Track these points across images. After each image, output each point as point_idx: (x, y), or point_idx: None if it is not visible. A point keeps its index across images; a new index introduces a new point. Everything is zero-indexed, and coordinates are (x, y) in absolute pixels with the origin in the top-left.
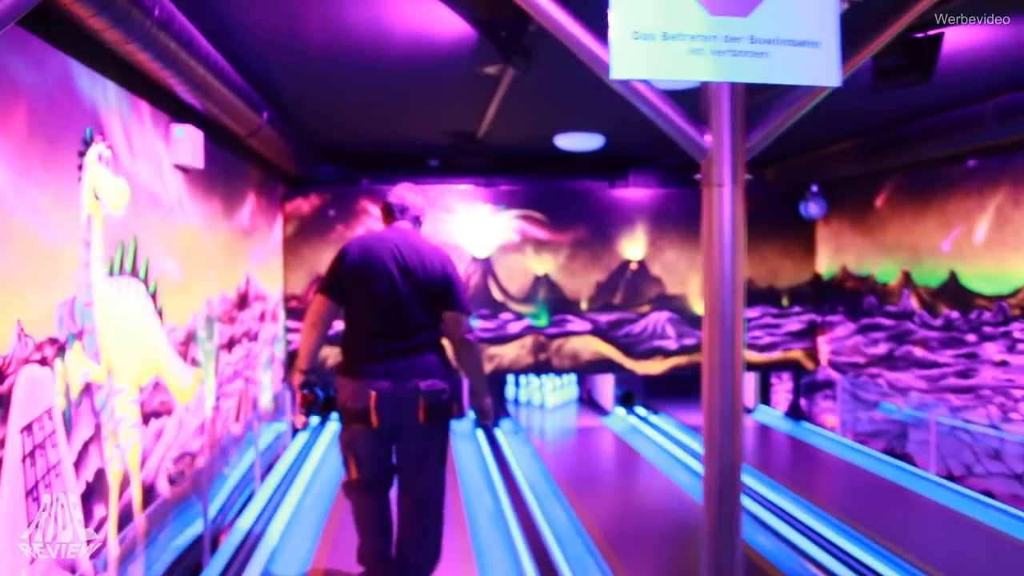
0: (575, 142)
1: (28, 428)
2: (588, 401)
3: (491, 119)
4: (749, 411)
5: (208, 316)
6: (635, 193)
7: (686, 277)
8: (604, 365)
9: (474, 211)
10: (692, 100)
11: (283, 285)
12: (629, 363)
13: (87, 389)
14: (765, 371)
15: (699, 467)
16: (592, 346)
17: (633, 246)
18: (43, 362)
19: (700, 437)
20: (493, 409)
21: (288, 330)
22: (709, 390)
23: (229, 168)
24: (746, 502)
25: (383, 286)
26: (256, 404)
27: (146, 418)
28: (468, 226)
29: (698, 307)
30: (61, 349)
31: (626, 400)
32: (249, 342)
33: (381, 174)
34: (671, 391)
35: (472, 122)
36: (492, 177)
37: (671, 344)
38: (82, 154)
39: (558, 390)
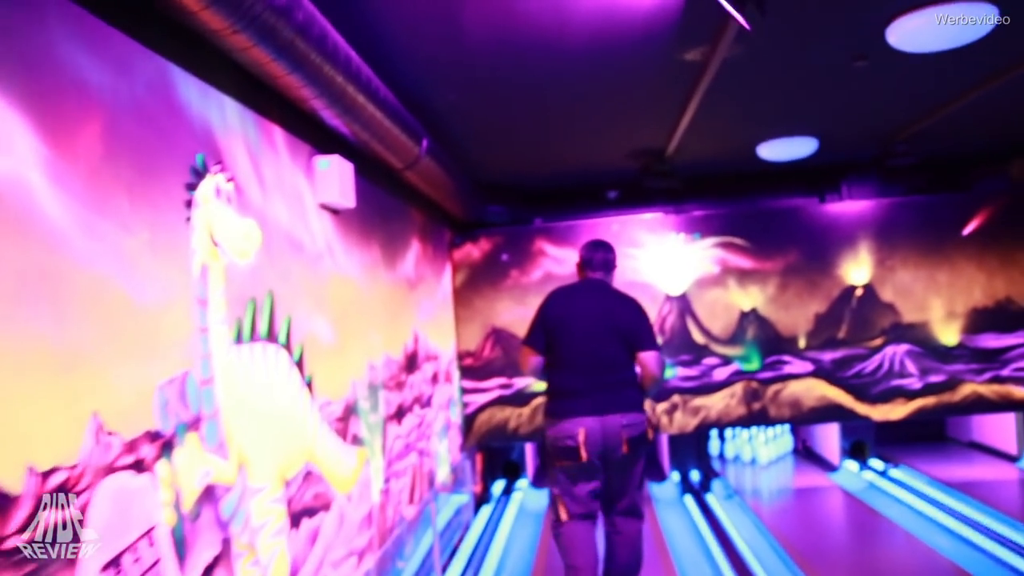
0: (782, 150)
1: (115, 564)
2: (806, 453)
3: (685, 128)
4: (1014, 459)
5: (371, 383)
6: (852, 207)
7: (925, 300)
8: (832, 412)
9: (664, 243)
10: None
11: (456, 341)
12: (863, 408)
13: (209, 494)
14: None
15: (963, 529)
16: (816, 390)
17: (856, 269)
18: (137, 467)
19: (958, 494)
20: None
21: (464, 391)
22: None
23: (387, 210)
24: None
25: (581, 333)
26: (433, 479)
27: (296, 519)
28: (658, 261)
29: (944, 336)
30: (167, 445)
31: (856, 451)
32: (421, 409)
33: (555, 211)
34: (909, 438)
35: (661, 136)
36: (682, 203)
37: (914, 383)
38: (192, 187)
39: (771, 442)
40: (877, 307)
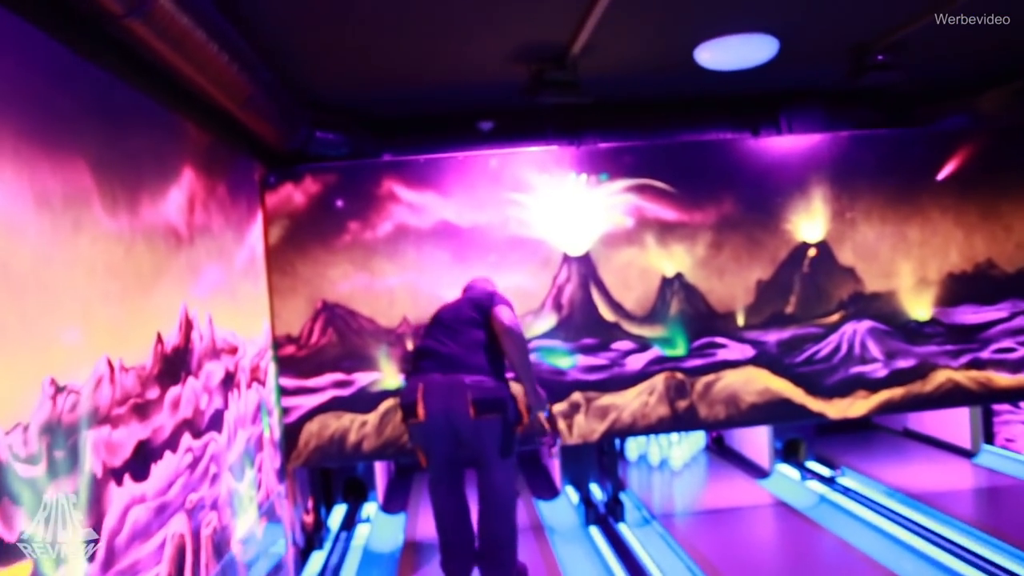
0: (730, 54)
1: None
2: (720, 450)
3: (604, 9)
4: (969, 455)
5: (52, 422)
6: (800, 142)
7: (892, 264)
8: (778, 410)
9: (560, 185)
10: None
11: (270, 322)
12: (816, 404)
13: None
14: (1012, 400)
15: (936, 552)
16: (757, 382)
17: (809, 222)
18: None
19: (923, 507)
20: (544, 406)
21: (283, 391)
22: None
23: (115, 105)
24: None
25: (443, 310)
26: (225, 542)
27: None
28: (552, 209)
29: (915, 309)
30: None
31: (791, 451)
32: (198, 438)
33: (411, 142)
34: (831, 428)
35: (564, 24)
36: (581, 134)
37: (878, 370)
38: None
39: (683, 439)
40: (835, 272)
